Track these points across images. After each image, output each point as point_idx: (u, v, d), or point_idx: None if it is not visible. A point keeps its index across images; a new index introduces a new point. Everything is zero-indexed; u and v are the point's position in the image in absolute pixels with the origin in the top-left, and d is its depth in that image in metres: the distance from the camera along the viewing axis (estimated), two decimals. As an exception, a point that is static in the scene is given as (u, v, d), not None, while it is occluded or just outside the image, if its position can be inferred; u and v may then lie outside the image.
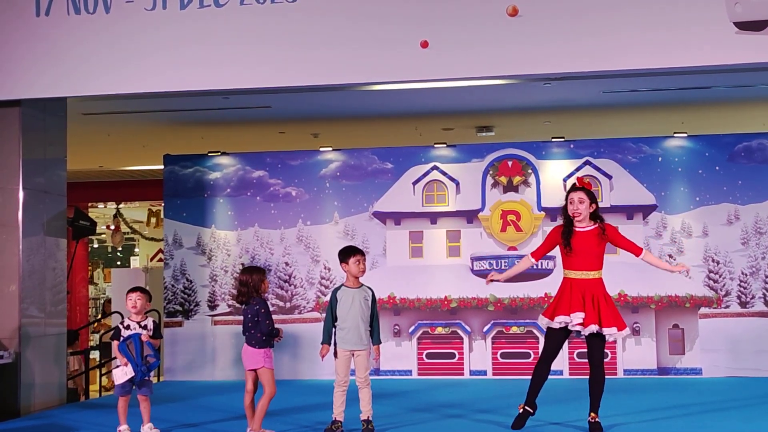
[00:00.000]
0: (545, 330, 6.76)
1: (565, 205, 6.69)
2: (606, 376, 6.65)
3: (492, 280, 7.02)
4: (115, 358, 6.87)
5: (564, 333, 6.61)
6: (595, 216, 6.64)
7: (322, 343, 6.76)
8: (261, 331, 6.49)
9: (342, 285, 6.82)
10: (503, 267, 10.31)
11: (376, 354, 6.80)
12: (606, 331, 6.48)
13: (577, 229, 6.61)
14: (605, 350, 6.83)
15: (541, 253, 6.86)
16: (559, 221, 6.79)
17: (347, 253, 6.80)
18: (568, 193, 6.72)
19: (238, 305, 10.49)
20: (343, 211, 10.94)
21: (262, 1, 7.83)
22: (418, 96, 9.89)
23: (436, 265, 10.72)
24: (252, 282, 6.55)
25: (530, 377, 6.74)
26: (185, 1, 7.93)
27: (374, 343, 6.78)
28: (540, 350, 7.59)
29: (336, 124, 11.65)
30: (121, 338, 6.66)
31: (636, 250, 6.67)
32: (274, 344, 6.62)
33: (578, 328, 6.51)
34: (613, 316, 6.51)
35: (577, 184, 6.72)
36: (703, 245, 10.35)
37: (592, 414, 6.57)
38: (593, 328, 6.45)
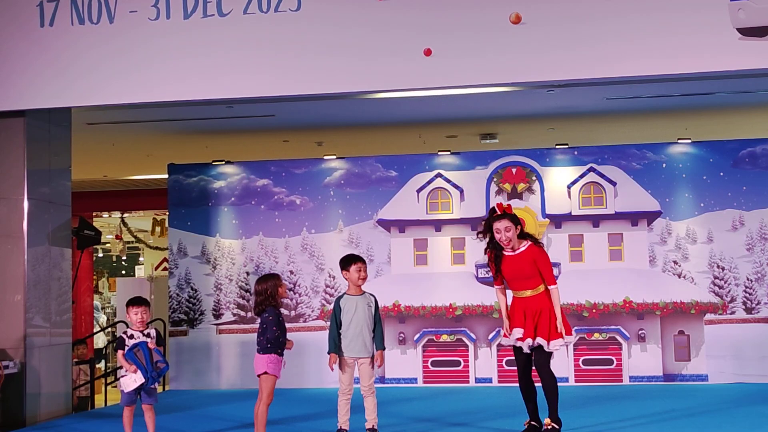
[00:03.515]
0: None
1: (491, 234, 6.59)
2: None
3: (507, 336, 6.72)
4: (121, 367, 6.87)
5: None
6: (523, 235, 6.61)
7: (329, 353, 6.73)
8: (266, 337, 6.50)
9: (344, 293, 6.82)
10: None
11: (379, 359, 6.77)
12: (539, 341, 6.47)
13: (506, 254, 6.60)
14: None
15: (498, 279, 6.75)
16: (484, 242, 6.70)
17: (348, 261, 6.80)
18: (492, 221, 6.59)
19: (243, 314, 10.57)
20: (348, 220, 10.94)
21: (266, 10, 7.84)
22: (421, 104, 9.90)
23: (440, 272, 10.72)
24: (269, 289, 6.55)
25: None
26: (189, 11, 7.95)
27: (377, 348, 6.75)
28: None
29: (340, 132, 11.66)
30: (126, 347, 6.66)
31: (549, 282, 6.55)
32: (283, 353, 6.61)
33: (519, 343, 6.54)
34: (547, 327, 6.45)
35: (498, 210, 6.61)
36: (708, 251, 10.33)
37: (547, 420, 6.56)
38: (529, 342, 6.49)
